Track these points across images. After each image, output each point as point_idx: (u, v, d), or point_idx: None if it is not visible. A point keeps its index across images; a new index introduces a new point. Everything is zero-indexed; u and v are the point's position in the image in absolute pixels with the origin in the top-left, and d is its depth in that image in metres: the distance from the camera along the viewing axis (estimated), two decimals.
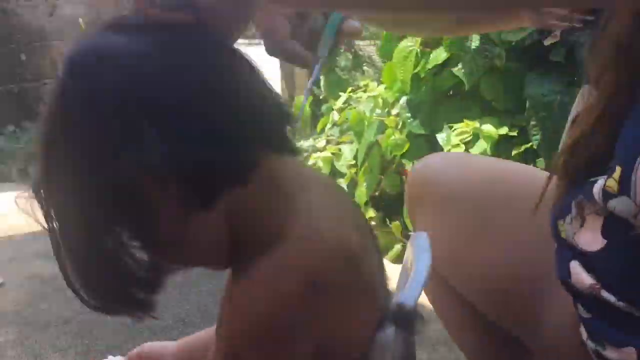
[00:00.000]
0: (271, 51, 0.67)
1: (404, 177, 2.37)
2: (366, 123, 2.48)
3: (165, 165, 0.52)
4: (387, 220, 2.40)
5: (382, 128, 2.45)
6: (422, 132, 2.30)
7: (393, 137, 2.34)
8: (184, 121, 0.53)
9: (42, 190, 0.58)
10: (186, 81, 0.54)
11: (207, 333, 0.84)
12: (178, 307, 2.14)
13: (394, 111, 2.41)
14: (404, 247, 2.19)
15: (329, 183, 0.64)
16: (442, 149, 2.18)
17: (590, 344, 0.63)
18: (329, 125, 2.84)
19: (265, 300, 0.53)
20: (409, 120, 2.32)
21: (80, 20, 4.83)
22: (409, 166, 2.37)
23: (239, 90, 0.57)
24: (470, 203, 0.85)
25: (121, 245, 0.57)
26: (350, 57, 3.50)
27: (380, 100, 2.46)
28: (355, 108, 2.60)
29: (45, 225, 0.59)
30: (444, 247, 0.84)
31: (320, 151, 2.69)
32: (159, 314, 0.61)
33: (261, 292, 0.53)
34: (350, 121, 2.52)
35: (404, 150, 2.33)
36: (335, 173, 2.61)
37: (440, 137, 2.20)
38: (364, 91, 2.66)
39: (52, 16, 4.83)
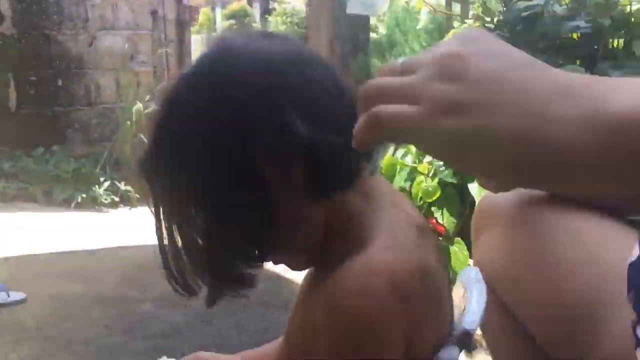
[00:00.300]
0: None
1: (431, 225, 2.39)
2: (398, 169, 2.51)
3: (297, 149, 0.57)
4: None
5: (413, 175, 2.48)
6: (454, 181, 2.33)
7: (424, 184, 2.37)
8: (322, 113, 0.58)
9: (150, 171, 0.61)
10: (324, 83, 0.61)
11: (269, 347, 0.85)
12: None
13: (426, 159, 2.44)
14: None
15: (410, 204, 0.67)
16: (473, 199, 2.20)
17: None
18: None
19: (355, 303, 0.55)
20: (440, 169, 2.35)
21: (126, 46, 4.97)
22: (438, 214, 2.38)
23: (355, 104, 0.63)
24: (540, 227, 0.84)
25: (234, 224, 0.60)
26: None
27: (412, 148, 2.50)
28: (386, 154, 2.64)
29: (152, 209, 0.62)
30: (505, 263, 0.84)
31: None
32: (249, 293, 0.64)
33: (352, 295, 0.55)
34: (382, 166, 2.56)
35: (434, 198, 2.35)
36: None
37: (472, 187, 2.22)
38: None
39: (91, 46, 4.98)
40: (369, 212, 0.61)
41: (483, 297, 0.71)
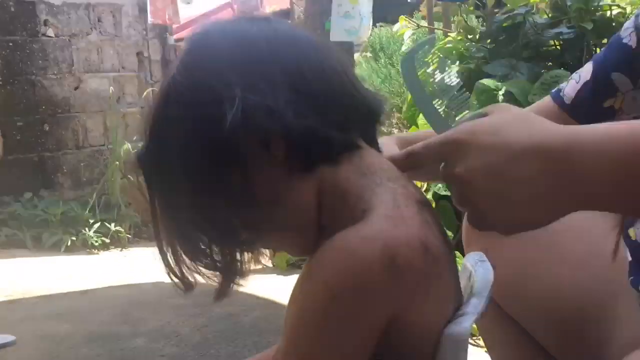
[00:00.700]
0: None
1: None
2: None
3: (278, 123, 0.56)
4: None
5: None
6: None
7: None
8: (303, 88, 0.58)
9: (146, 161, 0.61)
10: (309, 56, 0.60)
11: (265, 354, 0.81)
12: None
13: None
14: None
15: (409, 180, 0.64)
16: None
17: None
18: None
19: (343, 264, 0.52)
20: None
21: (111, 89, 4.98)
22: None
23: (350, 77, 0.63)
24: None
25: (219, 204, 0.58)
26: None
27: None
28: None
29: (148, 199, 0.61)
30: (503, 273, 0.82)
31: None
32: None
33: (340, 257, 0.53)
34: None
35: None
36: None
37: None
38: None
39: (77, 90, 4.98)
40: (366, 187, 0.59)
41: (490, 274, 0.68)
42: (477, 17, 3.21)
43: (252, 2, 4.29)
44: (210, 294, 0.63)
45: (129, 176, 4.83)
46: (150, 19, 4.44)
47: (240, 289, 0.64)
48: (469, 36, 2.70)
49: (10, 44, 4.67)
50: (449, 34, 2.62)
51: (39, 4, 4.76)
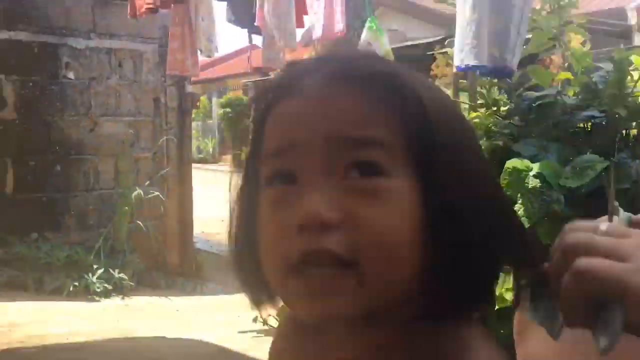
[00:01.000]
0: None
1: None
2: None
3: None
4: None
5: None
6: None
7: None
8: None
9: None
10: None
11: None
12: None
13: None
14: None
15: None
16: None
17: None
18: None
19: None
20: None
21: (130, 132, 4.97)
22: None
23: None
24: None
25: None
26: None
27: None
28: None
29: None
30: None
31: None
32: None
33: None
34: None
35: None
36: None
37: None
38: None
39: (92, 132, 4.98)
40: None
41: None
42: (499, 88, 3.20)
43: (274, 55, 4.29)
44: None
45: (138, 221, 4.78)
46: (168, 70, 4.42)
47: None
48: (494, 108, 2.68)
49: (30, 84, 4.69)
50: (477, 110, 2.60)
51: (62, 47, 4.81)
